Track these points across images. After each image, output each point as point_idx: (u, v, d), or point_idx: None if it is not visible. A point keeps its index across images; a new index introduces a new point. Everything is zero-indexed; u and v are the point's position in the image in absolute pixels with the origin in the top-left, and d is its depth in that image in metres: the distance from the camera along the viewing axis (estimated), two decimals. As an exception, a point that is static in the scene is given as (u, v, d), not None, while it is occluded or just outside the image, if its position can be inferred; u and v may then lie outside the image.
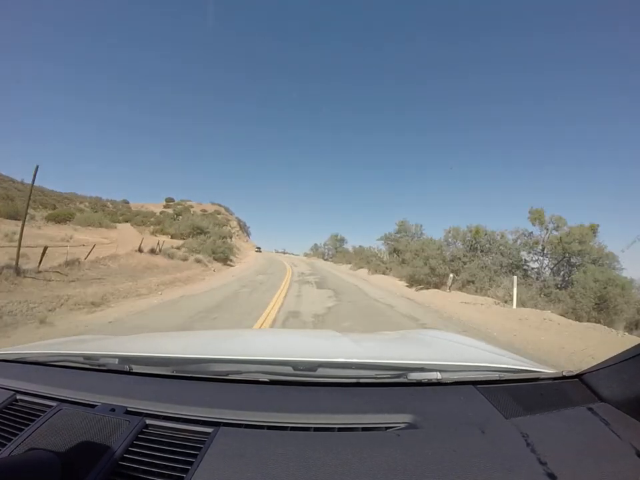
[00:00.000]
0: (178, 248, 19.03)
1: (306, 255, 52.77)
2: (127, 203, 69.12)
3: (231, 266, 21.70)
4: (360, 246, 31.70)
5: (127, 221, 47.43)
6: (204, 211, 66.09)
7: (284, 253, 70.06)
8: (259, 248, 57.27)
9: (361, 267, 23.48)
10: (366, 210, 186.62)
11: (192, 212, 60.10)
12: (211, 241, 22.09)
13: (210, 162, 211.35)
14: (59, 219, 28.95)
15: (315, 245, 52.21)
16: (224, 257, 21.82)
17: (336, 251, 43.59)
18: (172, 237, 25.87)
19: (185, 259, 16.07)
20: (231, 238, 48.51)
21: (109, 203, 63.59)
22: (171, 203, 72.34)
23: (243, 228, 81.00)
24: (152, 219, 51.66)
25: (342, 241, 44.57)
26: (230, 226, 69.75)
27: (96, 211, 49.24)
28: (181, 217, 50.56)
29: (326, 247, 46.67)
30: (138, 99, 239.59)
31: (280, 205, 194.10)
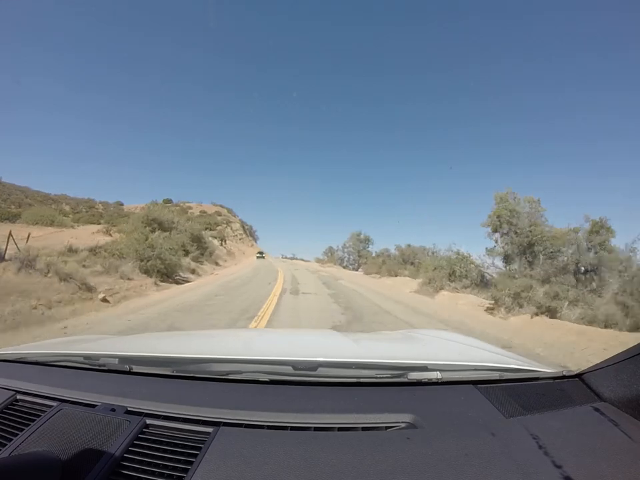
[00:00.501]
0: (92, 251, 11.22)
1: (318, 261, 40.74)
2: (121, 204, 66.60)
3: (182, 283, 12.43)
4: (408, 245, 19.56)
5: (108, 222, 39.33)
6: (203, 212, 61.97)
7: (292, 258, 57.78)
8: (261, 253, 47.58)
9: (441, 288, 10.91)
10: (388, 210, 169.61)
11: (189, 213, 53.95)
12: (139, 238, 10.65)
13: (221, 166, 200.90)
14: (5, 216, 27.63)
15: (330, 248, 40.06)
16: (166, 268, 11.76)
17: (359, 254, 31.66)
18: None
19: (46, 274, 7.58)
20: (223, 240, 37.29)
21: (99, 205, 60.70)
22: (168, 204, 64.24)
23: (248, 231, 72.56)
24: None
25: (367, 241, 32.68)
26: (231, 228, 59.82)
27: (77, 212, 46.22)
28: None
29: (345, 249, 34.65)
30: (143, 95, 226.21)
31: (290, 209, 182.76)
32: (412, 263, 16.88)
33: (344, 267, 32.30)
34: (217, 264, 23.69)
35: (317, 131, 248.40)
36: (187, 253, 17.71)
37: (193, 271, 16.27)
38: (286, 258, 59.13)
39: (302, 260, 53.58)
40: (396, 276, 16.25)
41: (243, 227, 69.95)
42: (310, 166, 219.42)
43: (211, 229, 42.77)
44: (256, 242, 78.00)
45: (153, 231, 14.35)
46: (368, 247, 32.84)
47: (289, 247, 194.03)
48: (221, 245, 36.49)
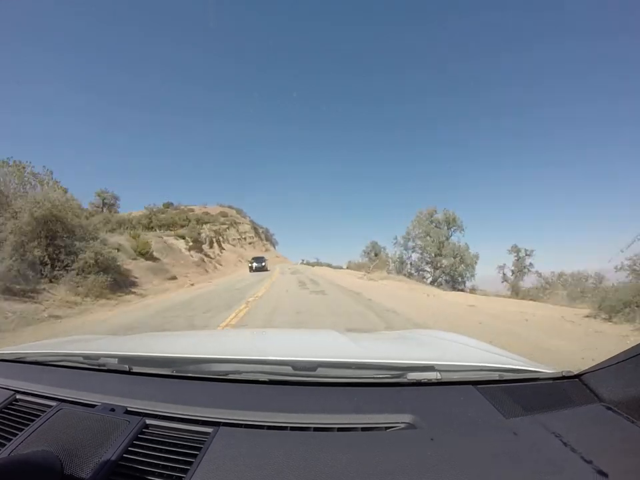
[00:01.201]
0: None
1: (353, 266, 24.55)
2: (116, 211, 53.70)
3: None
4: None
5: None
6: (206, 214, 53.77)
7: (313, 265, 40.16)
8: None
9: None
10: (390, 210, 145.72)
11: (187, 216, 43.88)
12: None
13: (223, 168, 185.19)
14: None
15: (373, 244, 23.84)
16: None
17: (438, 251, 15.30)
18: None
19: None
20: (210, 244, 21.84)
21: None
22: (167, 208, 51.97)
23: (262, 235, 59.26)
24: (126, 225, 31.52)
25: (452, 224, 16.40)
26: (237, 230, 45.29)
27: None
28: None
29: (409, 243, 18.27)
30: (143, 95, 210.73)
31: (304, 211, 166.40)
32: None
33: (408, 277, 16.22)
34: (121, 292, 8.90)
35: (317, 131, 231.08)
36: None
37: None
38: (308, 264, 42.83)
39: (328, 266, 35.21)
40: None
41: (255, 229, 58.85)
42: (315, 165, 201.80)
43: (184, 226, 28.33)
44: (274, 246, 64.66)
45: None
46: (451, 236, 16.60)
47: (313, 252, 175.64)
48: (189, 250, 21.80)
